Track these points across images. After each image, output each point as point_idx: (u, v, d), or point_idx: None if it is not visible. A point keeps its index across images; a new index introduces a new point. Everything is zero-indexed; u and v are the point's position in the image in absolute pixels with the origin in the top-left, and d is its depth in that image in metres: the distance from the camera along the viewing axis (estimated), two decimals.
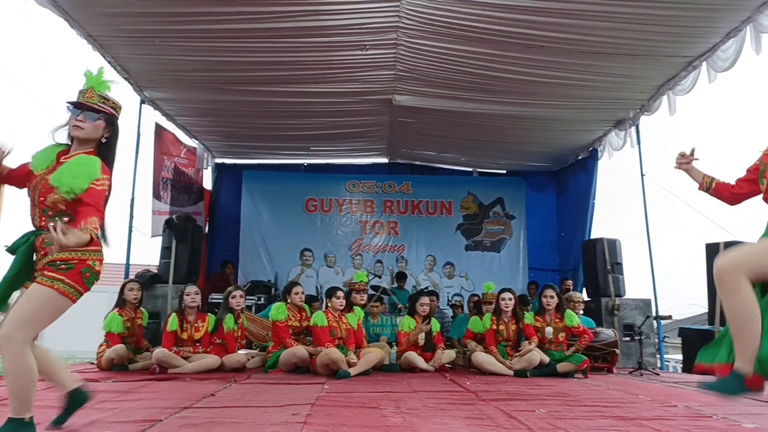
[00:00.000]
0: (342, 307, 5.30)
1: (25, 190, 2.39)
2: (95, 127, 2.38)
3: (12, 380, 2.14)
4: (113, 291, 7.17)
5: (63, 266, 2.22)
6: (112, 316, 5.18)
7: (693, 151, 2.84)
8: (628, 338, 6.40)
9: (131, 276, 6.47)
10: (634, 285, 7.37)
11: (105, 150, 2.43)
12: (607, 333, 5.99)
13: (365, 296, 5.66)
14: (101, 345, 5.22)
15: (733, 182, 2.63)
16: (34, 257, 2.32)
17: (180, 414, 2.85)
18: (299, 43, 5.58)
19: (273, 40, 5.51)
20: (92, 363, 5.49)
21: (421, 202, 9.58)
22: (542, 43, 5.45)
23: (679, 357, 8.69)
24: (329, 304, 5.32)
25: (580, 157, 9.02)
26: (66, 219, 2.25)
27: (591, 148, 8.60)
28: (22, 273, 2.29)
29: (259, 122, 7.83)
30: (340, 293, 5.33)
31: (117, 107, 2.49)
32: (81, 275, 2.25)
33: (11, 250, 2.32)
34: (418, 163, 10.00)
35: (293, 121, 7.78)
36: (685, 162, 2.83)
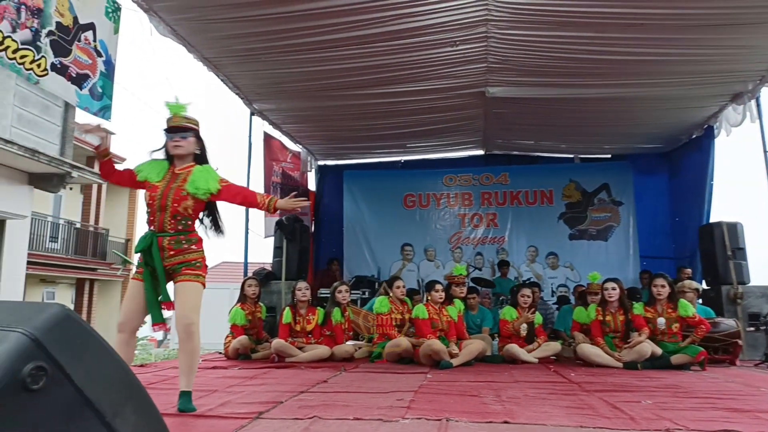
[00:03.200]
0: (441, 300, 5.43)
1: (145, 197, 2.88)
2: (189, 143, 2.92)
3: (195, 358, 2.79)
4: (234, 287, 7.89)
5: (198, 264, 2.86)
6: (236, 311, 5.72)
7: None
8: (752, 328, 5.92)
9: (249, 273, 7.07)
10: (761, 271, 6.76)
11: (202, 159, 2.97)
12: (728, 323, 5.60)
13: (464, 289, 5.75)
14: (227, 336, 5.77)
15: None
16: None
17: (298, 397, 3.17)
18: (390, 46, 5.77)
19: (366, 46, 5.75)
20: (220, 353, 6.09)
21: (520, 192, 9.42)
22: (641, 20, 5.20)
23: None
24: (429, 298, 5.49)
25: (694, 136, 8.38)
26: (189, 222, 2.86)
27: (706, 126, 7.96)
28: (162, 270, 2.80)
29: (356, 124, 8.16)
30: (438, 286, 5.46)
31: (197, 122, 2.99)
32: (206, 269, 2.94)
33: (146, 250, 2.80)
34: (515, 153, 9.79)
35: (389, 121, 8.02)
36: None
